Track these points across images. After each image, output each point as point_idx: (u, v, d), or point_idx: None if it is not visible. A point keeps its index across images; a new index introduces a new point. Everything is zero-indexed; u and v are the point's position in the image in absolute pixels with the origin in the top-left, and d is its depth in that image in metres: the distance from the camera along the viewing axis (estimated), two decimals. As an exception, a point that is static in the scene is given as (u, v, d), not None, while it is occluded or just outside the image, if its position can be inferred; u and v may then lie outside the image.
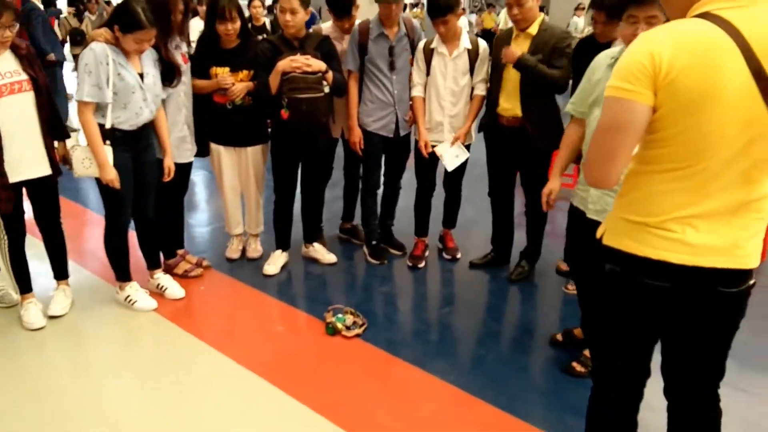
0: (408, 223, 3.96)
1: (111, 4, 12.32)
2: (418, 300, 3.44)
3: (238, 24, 3.19)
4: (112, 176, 2.83)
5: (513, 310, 3.32)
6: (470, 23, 14.78)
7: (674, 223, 1.46)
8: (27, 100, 2.74)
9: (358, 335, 2.94)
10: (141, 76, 2.87)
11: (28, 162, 2.78)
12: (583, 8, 13.39)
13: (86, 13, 10.01)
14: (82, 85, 2.74)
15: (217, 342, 2.90)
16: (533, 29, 3.09)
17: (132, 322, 3.11)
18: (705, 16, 1.37)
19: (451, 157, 3.42)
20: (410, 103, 3.50)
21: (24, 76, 2.72)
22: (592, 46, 2.98)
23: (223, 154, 3.51)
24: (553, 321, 3.16)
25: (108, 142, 2.82)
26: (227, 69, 3.28)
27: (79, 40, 9.44)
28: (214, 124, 3.41)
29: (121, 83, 2.78)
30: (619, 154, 1.45)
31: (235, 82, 3.26)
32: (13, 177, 2.73)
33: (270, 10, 11.41)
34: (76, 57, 9.34)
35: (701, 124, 1.36)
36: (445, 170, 3.54)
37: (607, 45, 2.92)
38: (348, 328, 2.96)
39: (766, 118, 1.35)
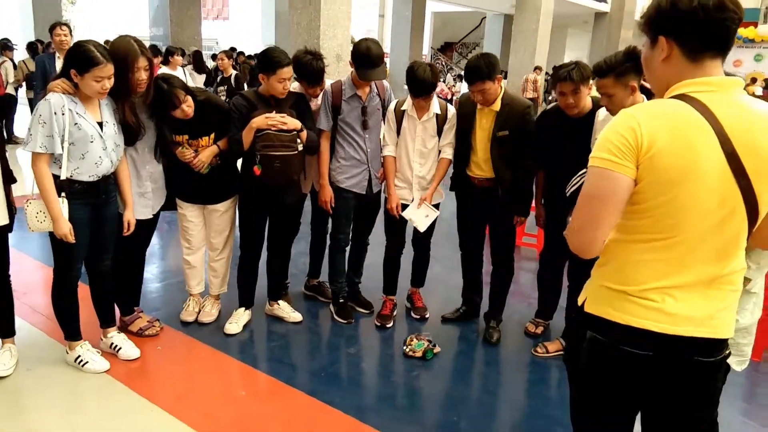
0: (374, 281, 3.91)
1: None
2: (386, 362, 3.34)
3: (190, 100, 3.09)
4: (65, 231, 2.68)
5: (485, 374, 3.25)
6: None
7: (654, 293, 1.48)
8: None
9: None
10: (100, 125, 2.77)
11: None
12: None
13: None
14: (35, 136, 2.61)
15: (173, 407, 2.72)
16: (496, 105, 3.18)
17: (82, 385, 2.89)
18: (682, 97, 1.42)
19: (420, 217, 3.43)
20: (382, 161, 3.52)
21: None
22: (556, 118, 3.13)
23: (190, 208, 3.40)
24: (523, 384, 3.12)
25: (63, 194, 2.70)
26: (186, 137, 3.19)
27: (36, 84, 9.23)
28: (181, 182, 3.30)
29: (78, 133, 2.68)
30: (601, 222, 1.47)
31: (196, 155, 3.17)
32: None
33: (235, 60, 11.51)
34: (31, 101, 9.16)
35: (678, 198, 1.41)
36: (414, 228, 3.54)
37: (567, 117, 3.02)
38: (434, 345, 3.32)
39: (738, 196, 1.40)
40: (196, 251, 3.52)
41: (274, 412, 2.76)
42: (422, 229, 3.47)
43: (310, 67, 3.27)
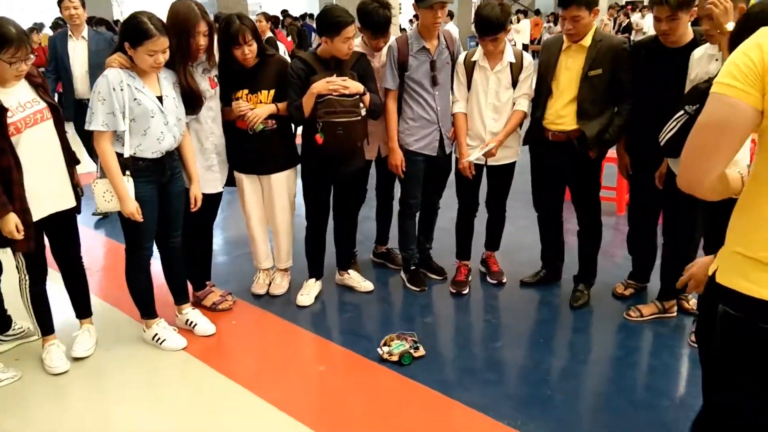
0: (445, 246, 3.73)
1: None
2: (467, 332, 3.18)
3: (254, 46, 2.95)
4: (132, 209, 2.61)
5: (574, 342, 3.05)
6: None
7: None
8: (49, 129, 2.57)
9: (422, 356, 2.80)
10: (160, 99, 2.67)
11: (54, 195, 2.60)
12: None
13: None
14: (96, 114, 2.55)
15: (255, 385, 2.65)
16: (586, 41, 2.89)
17: (161, 363, 2.88)
18: None
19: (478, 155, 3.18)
20: (452, 120, 3.28)
21: (42, 104, 2.54)
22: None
23: (246, 183, 3.28)
24: (619, 353, 2.90)
25: (128, 172, 2.63)
26: (245, 91, 3.05)
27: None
28: (236, 151, 3.18)
29: (138, 108, 2.58)
30: (713, 154, 1.29)
31: (253, 107, 3.03)
32: (38, 213, 2.52)
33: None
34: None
35: None
36: (488, 190, 3.32)
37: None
38: (416, 348, 2.82)
39: None
40: (258, 225, 3.42)
41: (357, 387, 2.66)
42: (472, 158, 3.17)
43: (375, 15, 3.06)
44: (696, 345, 2.79)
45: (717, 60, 2.51)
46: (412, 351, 2.77)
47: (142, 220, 2.65)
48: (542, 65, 3.06)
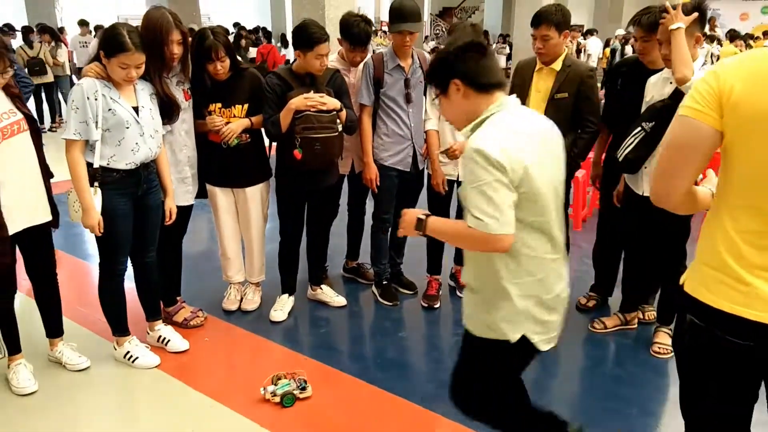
0: (414, 261, 3.80)
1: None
2: (442, 346, 3.24)
3: (227, 62, 2.97)
4: (93, 222, 2.57)
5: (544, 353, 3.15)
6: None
7: (748, 274, 1.36)
8: (26, 141, 2.52)
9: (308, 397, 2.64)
10: (136, 110, 2.64)
11: (29, 209, 2.53)
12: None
13: (41, 43, 9.58)
14: (69, 122, 2.53)
15: (233, 401, 2.63)
16: (557, 65, 3.03)
17: (135, 381, 2.82)
18: None
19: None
20: (424, 137, 3.38)
21: (20, 116, 2.49)
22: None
23: (220, 196, 3.27)
24: (587, 363, 3.03)
25: (96, 183, 2.58)
26: (219, 105, 3.06)
27: (38, 69, 9.05)
28: (209, 164, 3.18)
29: (113, 118, 2.56)
30: (678, 171, 1.41)
31: (227, 122, 3.04)
32: (13, 227, 2.45)
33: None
34: (37, 87, 9.01)
35: (761, 149, 1.30)
36: (458, 205, 3.41)
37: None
38: (303, 389, 2.64)
39: None
40: (231, 239, 3.40)
41: (336, 402, 2.67)
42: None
43: (356, 28, 3.14)
44: (658, 355, 2.98)
45: (671, 83, 2.70)
46: (296, 392, 2.61)
47: (100, 234, 2.61)
48: (515, 86, 3.19)
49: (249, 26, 14.79)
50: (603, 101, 3.36)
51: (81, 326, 3.24)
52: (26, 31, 9.55)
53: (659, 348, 3.00)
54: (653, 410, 2.62)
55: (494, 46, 18.16)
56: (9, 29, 9.14)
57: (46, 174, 2.64)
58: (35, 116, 2.62)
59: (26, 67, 9.02)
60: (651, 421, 2.53)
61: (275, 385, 2.63)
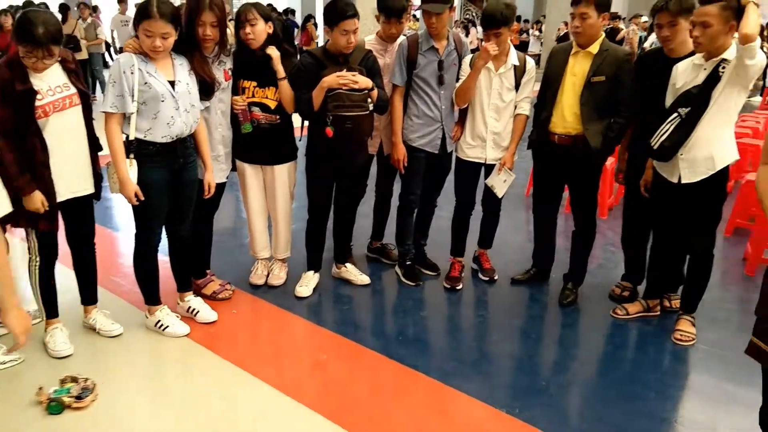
0: (438, 243, 3.84)
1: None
2: (464, 326, 3.30)
3: (259, 27, 2.97)
4: (130, 193, 2.66)
5: (564, 337, 3.18)
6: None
7: None
8: (77, 115, 2.62)
9: (93, 401, 2.46)
10: (172, 84, 2.71)
11: (75, 180, 2.65)
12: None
13: (78, 20, 9.79)
14: (106, 96, 2.64)
15: (260, 371, 2.72)
16: (594, 48, 3.01)
17: (164, 348, 2.92)
18: None
19: (499, 182, 3.34)
20: (456, 120, 3.41)
21: (73, 90, 2.59)
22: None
23: (249, 172, 3.34)
24: (608, 348, 3.05)
25: (131, 155, 2.67)
26: (254, 83, 3.12)
27: (72, 47, 9.25)
28: (241, 140, 3.24)
29: (149, 92, 2.63)
30: None
31: (243, 101, 3.09)
32: (59, 197, 2.57)
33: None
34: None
35: None
36: (485, 188, 3.45)
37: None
38: (79, 397, 2.42)
39: None
40: (258, 216, 3.47)
41: (359, 376, 2.74)
42: (501, 194, 3.38)
43: (391, 0, 3.16)
44: (680, 342, 2.99)
45: (705, 69, 2.67)
46: (68, 399, 2.39)
47: (137, 203, 2.69)
48: (550, 69, 3.18)
49: (279, 8, 14.84)
50: None
51: (115, 295, 3.37)
52: (63, 9, 9.75)
53: (681, 335, 3.00)
54: (671, 395, 2.63)
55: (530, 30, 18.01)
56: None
57: (95, 147, 2.74)
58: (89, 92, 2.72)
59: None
60: (668, 404, 2.55)
61: (60, 387, 2.45)
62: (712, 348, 2.98)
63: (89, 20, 10.03)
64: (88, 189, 2.72)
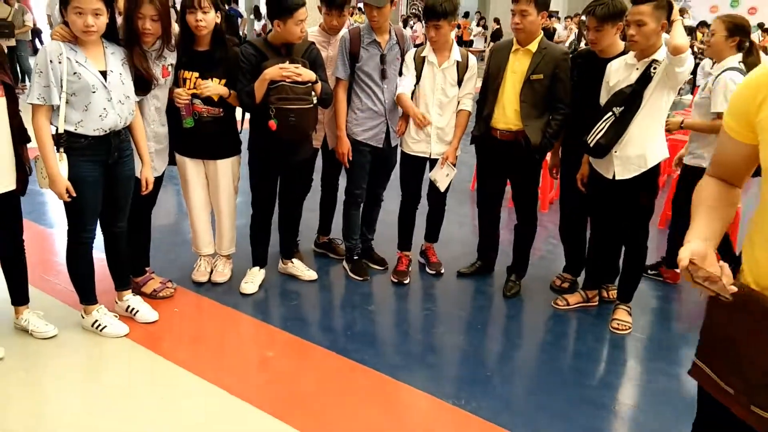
0: (385, 238, 3.85)
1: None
2: (411, 319, 3.32)
3: (210, 15, 2.88)
4: (60, 189, 2.53)
5: (508, 328, 3.25)
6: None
7: None
8: (1, 109, 2.46)
9: None
10: (104, 74, 2.58)
11: None
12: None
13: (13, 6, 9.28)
14: (32, 87, 2.48)
15: (204, 371, 2.66)
16: (533, 46, 3.07)
17: (102, 350, 2.81)
18: None
19: (442, 177, 3.36)
20: (399, 114, 3.41)
21: None
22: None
23: (189, 166, 3.24)
24: (548, 338, 3.14)
25: (61, 150, 2.54)
26: (195, 74, 3.03)
27: (7, 32, 8.78)
28: (182, 134, 3.13)
29: (78, 82, 2.50)
30: None
31: (188, 101, 2.99)
32: None
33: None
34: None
35: None
36: (430, 182, 3.47)
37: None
38: None
39: None
40: (201, 211, 3.38)
41: (307, 372, 2.72)
42: (443, 188, 3.41)
43: None
44: (616, 331, 3.10)
45: (637, 69, 2.78)
46: None
47: (68, 200, 2.57)
48: (491, 67, 3.23)
49: None
50: None
51: (48, 295, 3.21)
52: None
53: (618, 324, 3.12)
54: (610, 382, 2.74)
55: (475, 28, 18.27)
56: None
57: (22, 140, 2.59)
58: (12, 83, 2.55)
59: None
60: (606, 392, 2.65)
61: None
62: (646, 336, 3.11)
63: (16, 6, 9.51)
64: (9, 186, 2.56)
